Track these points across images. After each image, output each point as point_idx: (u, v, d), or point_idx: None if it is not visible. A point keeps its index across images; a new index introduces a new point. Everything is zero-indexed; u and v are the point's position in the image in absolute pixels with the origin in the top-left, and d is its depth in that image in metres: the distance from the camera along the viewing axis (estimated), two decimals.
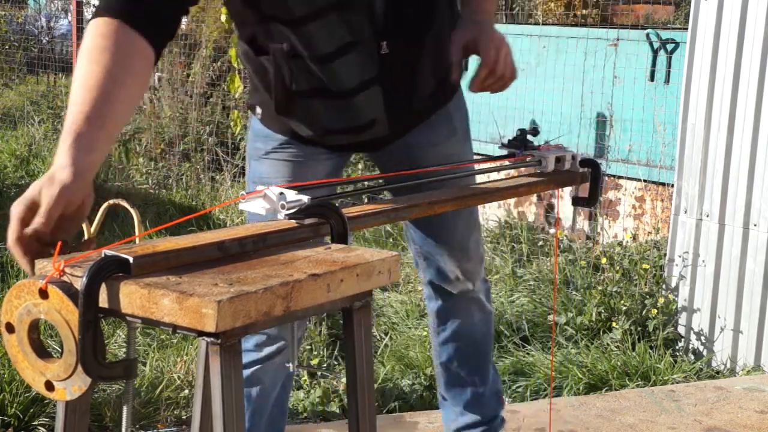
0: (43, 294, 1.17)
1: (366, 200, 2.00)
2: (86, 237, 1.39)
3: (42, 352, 1.23)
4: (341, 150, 2.11)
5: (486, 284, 2.43)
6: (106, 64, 1.47)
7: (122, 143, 7.15)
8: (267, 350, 2.13)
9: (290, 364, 1.43)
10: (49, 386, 1.22)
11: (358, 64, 1.88)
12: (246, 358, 2.08)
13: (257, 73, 1.96)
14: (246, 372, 2.11)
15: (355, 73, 1.89)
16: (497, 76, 1.91)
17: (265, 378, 2.17)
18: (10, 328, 1.22)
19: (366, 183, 1.92)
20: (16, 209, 1.33)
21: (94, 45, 1.49)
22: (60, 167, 1.37)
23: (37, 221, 1.30)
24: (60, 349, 1.20)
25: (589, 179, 2.03)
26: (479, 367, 2.45)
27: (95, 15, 1.53)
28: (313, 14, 1.79)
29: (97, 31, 1.51)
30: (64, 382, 1.21)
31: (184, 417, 3.08)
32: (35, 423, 2.86)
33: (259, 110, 2.06)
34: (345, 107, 1.94)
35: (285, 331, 2.12)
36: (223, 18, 5.06)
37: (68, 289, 1.17)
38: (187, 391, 3.17)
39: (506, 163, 2.02)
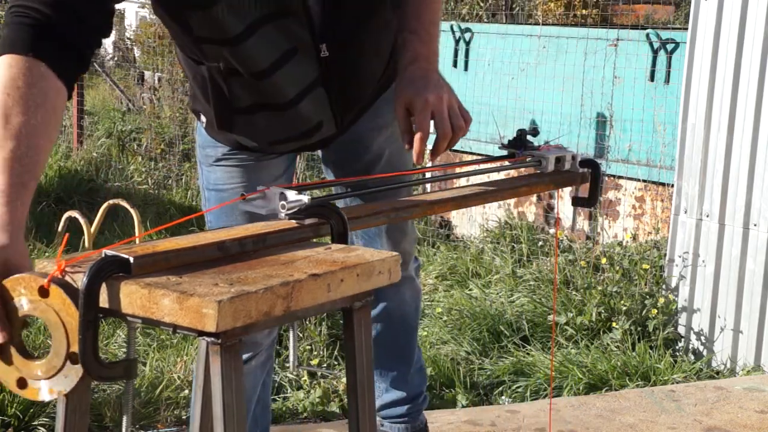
0: (44, 292, 1.17)
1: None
2: (87, 237, 1.39)
3: (22, 349, 1.22)
4: (295, 152, 2.11)
5: (417, 262, 2.42)
6: (26, 110, 1.39)
7: (122, 143, 7.16)
8: (250, 352, 2.12)
9: (290, 364, 1.43)
10: (22, 383, 1.21)
11: (299, 70, 1.81)
12: None
13: (196, 81, 1.89)
14: None
15: (297, 80, 1.83)
16: (446, 138, 1.70)
17: (246, 383, 2.16)
18: None
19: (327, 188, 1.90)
20: None
21: (8, 87, 1.40)
22: None
23: None
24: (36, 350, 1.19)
25: (588, 179, 2.03)
26: (407, 344, 2.45)
27: (1, 51, 1.43)
28: (248, 30, 1.72)
29: (10, 72, 1.42)
30: (40, 382, 1.20)
31: (184, 417, 3.08)
32: (35, 423, 2.86)
33: (203, 119, 1.99)
34: (290, 117, 1.89)
35: (261, 337, 2.13)
36: None
37: (69, 290, 1.16)
38: (187, 391, 3.17)
39: (506, 163, 2.02)
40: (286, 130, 1.93)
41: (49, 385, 1.19)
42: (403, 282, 2.31)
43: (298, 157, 2.20)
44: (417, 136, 1.68)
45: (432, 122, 1.70)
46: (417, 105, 1.69)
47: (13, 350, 1.21)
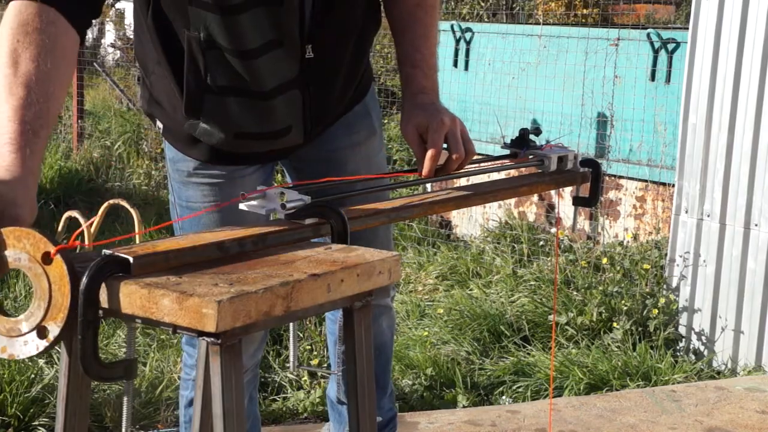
0: (47, 259, 1.16)
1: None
2: (86, 238, 1.38)
3: None
4: (256, 161, 1.98)
5: (394, 291, 2.37)
6: (36, 56, 1.38)
7: (123, 143, 7.15)
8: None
9: (290, 364, 1.43)
10: None
11: (281, 65, 1.77)
12: None
13: (157, 73, 1.82)
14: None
15: (277, 74, 1.77)
16: (459, 159, 1.77)
17: None
18: None
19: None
20: None
21: (17, 33, 1.39)
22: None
23: None
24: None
25: (589, 179, 2.03)
26: (383, 373, 2.39)
27: None
28: (243, 5, 1.67)
29: (19, 18, 1.41)
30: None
31: None
32: (35, 423, 2.86)
33: (160, 124, 1.91)
34: (261, 109, 1.82)
35: (246, 358, 2.07)
36: None
37: (72, 269, 1.15)
38: None
39: (507, 162, 2.02)
40: (256, 124, 1.84)
41: (4, 343, 1.18)
42: (381, 311, 2.29)
43: (273, 175, 2.12)
44: (429, 153, 1.73)
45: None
46: (432, 125, 1.74)
47: None
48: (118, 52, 11.74)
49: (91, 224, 1.35)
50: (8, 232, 1.18)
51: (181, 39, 1.73)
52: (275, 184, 1.87)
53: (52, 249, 1.15)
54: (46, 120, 1.37)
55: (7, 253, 1.18)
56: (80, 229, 1.22)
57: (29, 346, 1.17)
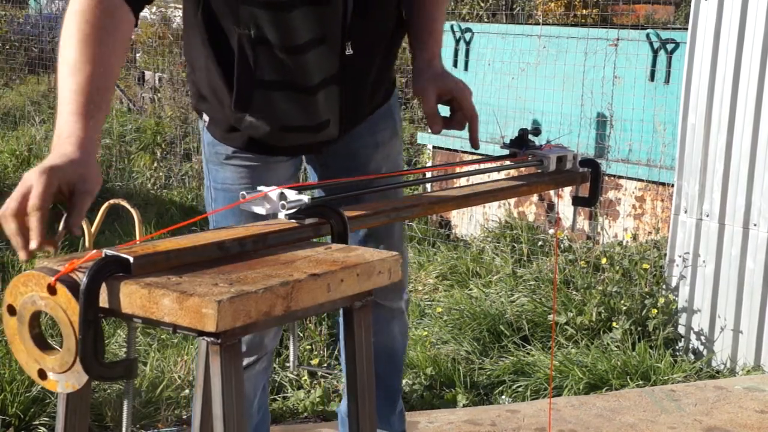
0: (52, 290, 1.18)
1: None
2: (87, 237, 1.39)
3: (42, 342, 1.23)
4: (293, 153, 2.08)
5: (407, 295, 2.39)
6: (100, 38, 1.52)
7: (123, 143, 7.15)
8: (246, 360, 2.12)
9: (290, 364, 1.43)
10: (42, 375, 1.23)
11: (324, 61, 1.87)
12: None
13: (205, 71, 1.91)
14: None
15: (320, 69, 1.88)
16: (467, 120, 2.04)
17: (247, 385, 2.14)
18: (12, 310, 1.22)
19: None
20: (24, 184, 1.34)
21: (85, 15, 1.51)
22: (65, 144, 1.42)
23: (33, 195, 1.32)
24: (61, 345, 1.21)
25: (589, 179, 2.03)
26: (392, 384, 2.39)
27: None
28: (292, 2, 1.77)
29: (85, 2, 1.53)
30: (58, 376, 1.21)
31: (184, 417, 3.08)
32: (36, 423, 2.86)
33: (206, 117, 2.01)
34: (306, 103, 1.92)
35: (268, 340, 2.13)
36: None
37: (75, 289, 1.17)
38: (187, 391, 3.18)
39: (507, 162, 2.02)
40: (300, 118, 1.94)
41: (65, 378, 1.21)
42: (393, 316, 2.30)
43: (302, 168, 2.18)
44: (474, 119, 2.03)
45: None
46: (457, 93, 1.99)
47: (31, 342, 1.23)
48: None
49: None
50: (16, 281, 1.22)
51: (230, 36, 1.82)
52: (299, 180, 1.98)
53: (50, 280, 1.17)
54: (106, 95, 1.51)
55: (23, 300, 1.21)
56: (59, 233, 1.25)
57: (82, 373, 1.19)
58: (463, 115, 2.01)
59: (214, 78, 1.89)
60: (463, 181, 4.70)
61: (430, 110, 1.97)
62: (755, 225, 3.74)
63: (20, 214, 1.31)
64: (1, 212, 1.32)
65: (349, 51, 1.87)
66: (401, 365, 2.44)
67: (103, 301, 1.17)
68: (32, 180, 1.33)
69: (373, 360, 2.28)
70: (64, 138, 1.43)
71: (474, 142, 2.02)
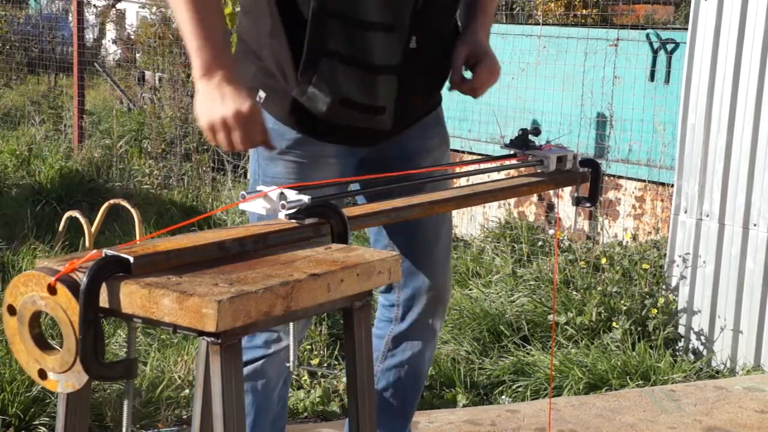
0: (52, 290, 1.18)
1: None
2: (87, 237, 1.39)
3: (42, 342, 1.23)
4: (346, 141, 2.09)
5: (442, 320, 2.38)
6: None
7: (122, 143, 7.15)
8: (275, 347, 2.14)
9: (290, 364, 1.43)
10: (42, 375, 1.23)
11: (388, 48, 1.93)
12: (254, 353, 2.09)
13: (270, 45, 1.97)
14: (252, 367, 2.11)
15: (383, 55, 1.94)
16: (474, 90, 2.09)
17: (271, 371, 2.16)
18: (12, 310, 1.23)
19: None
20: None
21: None
22: (233, 96, 1.74)
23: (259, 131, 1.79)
24: (61, 345, 1.21)
25: (589, 179, 2.04)
26: (412, 401, 2.39)
27: None
28: None
29: None
30: (58, 375, 1.21)
31: (184, 416, 3.09)
32: (36, 423, 2.86)
33: (262, 94, 2.04)
34: (365, 81, 1.96)
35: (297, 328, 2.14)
36: (227, 10, 5.03)
37: (75, 289, 1.17)
38: (187, 391, 3.18)
39: (507, 162, 2.03)
40: (359, 94, 1.97)
41: (65, 378, 1.21)
42: (429, 338, 2.31)
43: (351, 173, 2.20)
44: (485, 82, 2.07)
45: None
46: (487, 61, 2.06)
47: (31, 342, 1.23)
48: (119, 51, 11.74)
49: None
50: (16, 281, 1.22)
51: (302, 7, 1.90)
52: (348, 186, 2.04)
53: (51, 280, 1.17)
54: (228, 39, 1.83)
55: (24, 300, 1.21)
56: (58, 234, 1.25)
57: (82, 373, 1.20)
58: (477, 76, 2.05)
59: (281, 50, 1.96)
60: (463, 181, 4.70)
61: (455, 65, 2.04)
62: (755, 225, 3.74)
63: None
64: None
65: (413, 45, 1.94)
66: (421, 387, 2.43)
67: (103, 301, 1.17)
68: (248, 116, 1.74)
69: (402, 378, 2.30)
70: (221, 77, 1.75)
71: (472, 92, 2.08)
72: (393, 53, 1.94)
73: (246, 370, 2.11)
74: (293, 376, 3.44)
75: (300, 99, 1.96)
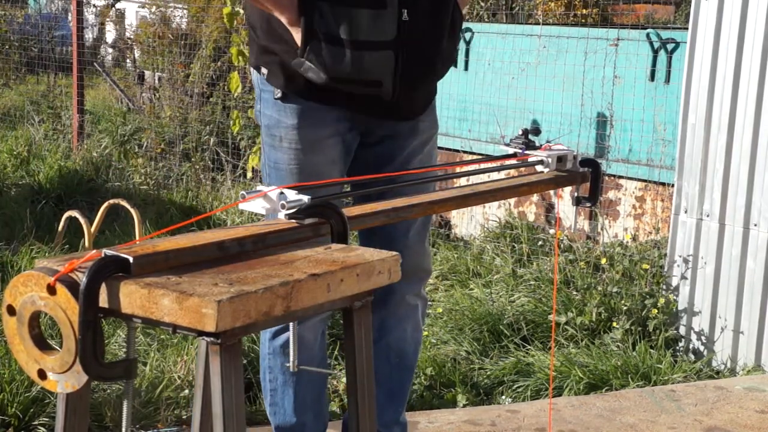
0: (51, 290, 1.17)
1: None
2: (87, 237, 1.39)
3: (41, 342, 1.23)
4: (348, 104, 2.16)
5: (425, 301, 2.43)
6: None
7: (122, 143, 7.15)
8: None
9: (290, 364, 1.43)
10: (42, 375, 1.23)
11: (380, 24, 2.03)
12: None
13: (273, 23, 2.08)
14: (281, 339, 2.23)
15: (375, 31, 2.03)
16: None
17: (308, 334, 2.25)
18: (11, 310, 1.22)
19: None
20: None
21: None
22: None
23: None
24: (60, 345, 1.21)
25: (589, 179, 2.03)
26: (401, 385, 2.40)
27: None
28: None
29: None
30: (58, 376, 1.21)
31: (184, 417, 3.08)
32: (35, 423, 2.86)
33: (264, 70, 2.18)
34: (354, 59, 2.03)
35: None
36: (226, 10, 5.03)
37: (74, 289, 1.17)
38: (187, 391, 3.17)
39: (507, 162, 2.02)
40: (348, 71, 2.05)
41: (65, 378, 1.21)
42: (408, 313, 2.34)
43: (348, 157, 2.29)
44: None
45: None
46: None
47: (31, 342, 1.23)
48: (118, 51, 11.74)
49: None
50: (15, 281, 1.22)
51: None
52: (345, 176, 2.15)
53: (50, 280, 1.17)
54: None
55: (23, 300, 1.21)
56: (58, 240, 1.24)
57: (82, 374, 1.19)
58: None
59: (276, 32, 2.09)
60: (463, 181, 4.70)
61: None
62: (755, 225, 3.74)
63: None
64: None
65: (405, 17, 2.03)
66: (411, 365, 2.44)
67: (103, 301, 1.17)
68: None
69: (384, 360, 2.31)
70: None
71: None
72: (386, 29, 2.03)
73: (280, 339, 2.23)
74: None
75: (299, 69, 2.07)
